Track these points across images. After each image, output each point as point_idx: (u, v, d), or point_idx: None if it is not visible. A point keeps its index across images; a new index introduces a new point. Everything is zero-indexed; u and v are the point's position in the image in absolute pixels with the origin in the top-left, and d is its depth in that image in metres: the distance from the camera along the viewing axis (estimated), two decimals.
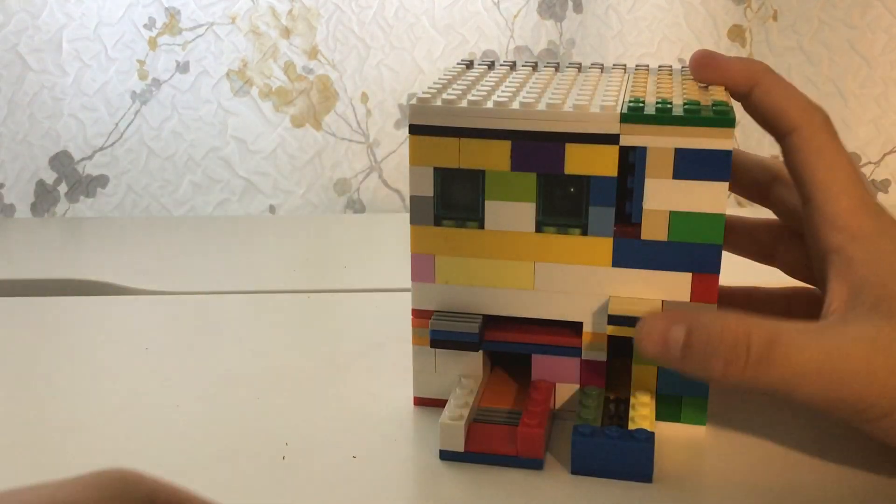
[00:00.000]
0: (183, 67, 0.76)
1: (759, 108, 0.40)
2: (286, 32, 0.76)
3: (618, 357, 0.41)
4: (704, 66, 0.41)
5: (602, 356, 0.40)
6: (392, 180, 0.80)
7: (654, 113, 0.37)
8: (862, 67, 0.76)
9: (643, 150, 0.37)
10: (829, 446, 0.40)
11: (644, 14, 0.76)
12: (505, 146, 0.38)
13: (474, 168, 0.39)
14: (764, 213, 0.45)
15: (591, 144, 0.37)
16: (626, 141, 0.37)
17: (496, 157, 0.38)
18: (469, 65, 0.45)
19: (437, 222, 0.40)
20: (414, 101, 0.39)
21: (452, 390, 0.41)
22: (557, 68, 0.45)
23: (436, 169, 0.39)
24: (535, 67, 0.45)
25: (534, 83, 0.41)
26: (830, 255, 0.38)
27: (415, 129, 0.39)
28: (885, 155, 0.79)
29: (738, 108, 0.40)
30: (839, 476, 0.38)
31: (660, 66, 0.45)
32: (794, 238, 0.43)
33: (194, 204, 0.78)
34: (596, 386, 0.41)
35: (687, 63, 0.42)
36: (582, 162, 0.38)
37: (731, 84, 0.41)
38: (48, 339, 0.53)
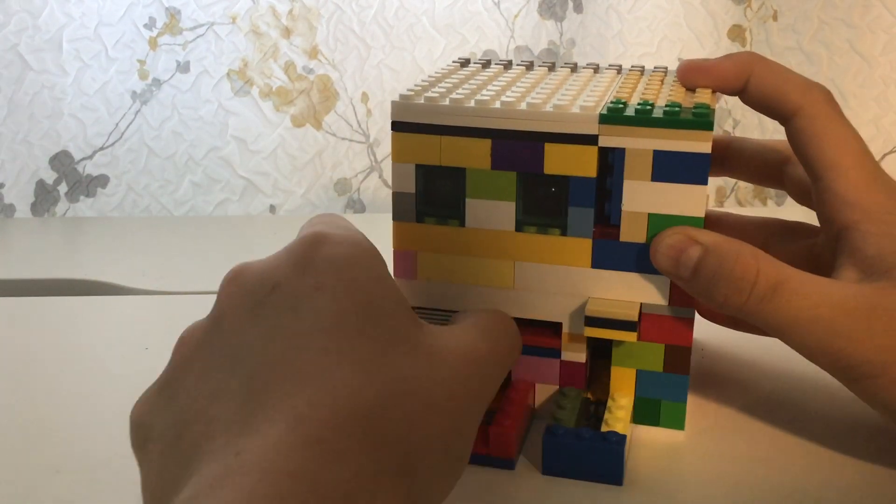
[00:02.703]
0: (183, 67, 0.76)
1: (758, 96, 0.40)
2: (286, 32, 0.76)
3: (599, 359, 0.41)
4: (693, 73, 0.41)
5: (581, 357, 0.40)
6: None
7: (633, 114, 0.37)
8: (862, 67, 0.76)
9: (622, 151, 0.37)
10: (809, 451, 0.40)
11: (644, 14, 0.76)
12: (485, 145, 0.38)
13: (455, 166, 0.39)
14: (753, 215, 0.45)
15: (571, 145, 0.37)
16: (604, 142, 0.37)
17: (477, 155, 0.38)
18: (465, 63, 0.45)
19: (420, 219, 0.40)
20: (396, 99, 0.39)
21: None
22: (552, 68, 0.45)
23: (417, 166, 0.39)
24: (529, 67, 0.45)
25: (522, 82, 0.41)
26: (844, 231, 0.37)
27: (397, 126, 0.39)
28: (885, 155, 0.79)
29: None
30: (819, 481, 0.38)
31: (655, 68, 0.45)
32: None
33: (194, 204, 0.79)
34: (574, 387, 0.41)
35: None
36: (561, 162, 0.38)
37: (724, 83, 0.40)
38: (48, 339, 0.53)
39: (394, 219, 0.40)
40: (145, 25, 0.75)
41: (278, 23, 0.76)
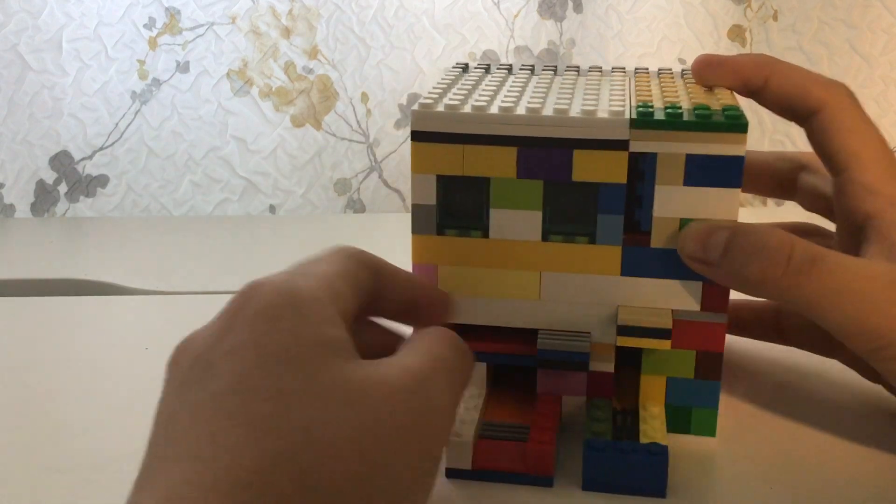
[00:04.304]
0: (183, 67, 0.76)
1: (779, 95, 0.40)
2: (286, 32, 0.76)
3: (625, 367, 0.40)
4: (712, 68, 0.40)
5: (610, 367, 0.39)
6: (392, 180, 0.80)
7: (664, 118, 0.36)
8: (862, 67, 0.76)
9: (653, 156, 0.36)
10: (842, 451, 0.40)
11: (644, 14, 0.76)
12: (511, 153, 0.37)
13: (479, 176, 0.38)
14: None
15: (600, 151, 0.36)
16: (636, 147, 0.36)
17: (502, 164, 0.37)
18: (465, 68, 0.45)
19: (440, 231, 0.39)
20: (416, 107, 0.37)
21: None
22: (556, 72, 0.45)
23: (438, 177, 0.38)
24: (532, 71, 0.45)
25: (535, 88, 0.40)
26: (869, 220, 0.38)
27: (417, 136, 0.37)
28: None
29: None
30: (852, 482, 0.38)
31: (660, 70, 0.45)
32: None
33: (194, 204, 0.79)
34: (604, 397, 0.40)
35: (688, 63, 0.42)
36: (590, 169, 0.37)
37: (742, 81, 0.40)
38: (48, 339, 0.53)
39: (413, 232, 0.39)
40: (145, 25, 0.75)
41: (278, 23, 0.76)
